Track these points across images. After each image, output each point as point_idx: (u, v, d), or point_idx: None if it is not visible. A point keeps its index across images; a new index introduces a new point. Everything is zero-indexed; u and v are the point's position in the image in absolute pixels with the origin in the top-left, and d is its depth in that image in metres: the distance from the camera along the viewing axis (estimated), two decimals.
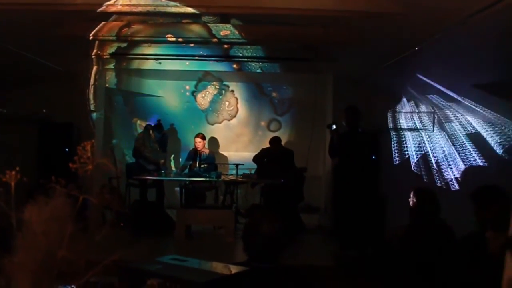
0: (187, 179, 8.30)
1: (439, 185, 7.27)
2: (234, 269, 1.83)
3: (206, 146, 8.84)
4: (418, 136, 8.32)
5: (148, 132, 8.56)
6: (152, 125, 8.72)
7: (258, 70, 9.43)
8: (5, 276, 1.37)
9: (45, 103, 8.79)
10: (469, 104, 6.61)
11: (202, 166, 8.43)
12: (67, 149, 8.01)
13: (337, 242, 7.03)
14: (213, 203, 8.66)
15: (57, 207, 1.41)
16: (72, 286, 1.63)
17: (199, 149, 8.55)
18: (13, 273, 1.35)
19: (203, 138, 8.68)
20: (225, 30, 6.79)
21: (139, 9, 5.82)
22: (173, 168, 9.97)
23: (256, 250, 2.51)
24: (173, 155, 10.12)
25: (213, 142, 9.97)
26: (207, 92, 10.35)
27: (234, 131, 10.32)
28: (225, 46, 7.75)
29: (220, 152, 10.02)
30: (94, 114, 9.37)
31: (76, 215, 1.46)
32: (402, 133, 8.33)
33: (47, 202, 1.41)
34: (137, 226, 7.30)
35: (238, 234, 7.04)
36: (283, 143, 8.88)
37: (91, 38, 6.81)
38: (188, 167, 8.58)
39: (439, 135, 7.81)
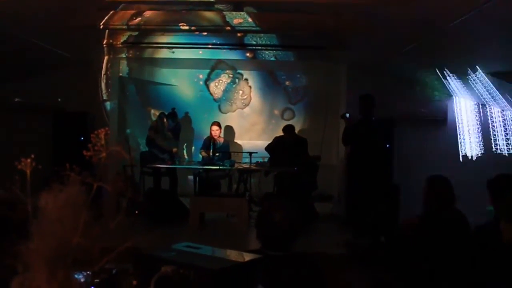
0: (201, 167, 8.33)
1: (454, 173, 7.21)
2: (247, 257, 1.83)
3: (222, 134, 8.87)
4: (433, 123, 8.24)
5: (162, 120, 8.56)
6: (166, 113, 8.73)
7: (272, 59, 9.37)
8: (21, 262, 1.38)
9: (60, 92, 8.84)
10: (486, 91, 6.53)
11: (216, 154, 8.46)
12: (82, 138, 8.06)
13: (350, 230, 7.02)
14: (226, 191, 8.69)
15: (72, 195, 1.42)
16: (88, 272, 1.64)
17: (215, 137, 8.57)
18: (29, 260, 1.37)
19: (219, 126, 8.71)
20: (239, 18, 6.77)
21: None
22: (186, 157, 9.98)
23: (269, 238, 2.52)
24: (185, 144, 10.12)
25: (229, 130, 9.97)
26: (221, 81, 10.32)
27: (248, 119, 10.29)
28: (239, 34, 7.72)
29: (234, 140, 10.01)
30: (107, 103, 9.42)
31: (90, 202, 1.47)
32: (417, 121, 8.26)
33: (62, 190, 1.42)
34: (151, 214, 7.36)
35: (251, 222, 7.07)
36: (296, 131, 8.85)
37: (102, 27, 6.82)
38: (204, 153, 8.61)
39: (455, 122, 7.73)
